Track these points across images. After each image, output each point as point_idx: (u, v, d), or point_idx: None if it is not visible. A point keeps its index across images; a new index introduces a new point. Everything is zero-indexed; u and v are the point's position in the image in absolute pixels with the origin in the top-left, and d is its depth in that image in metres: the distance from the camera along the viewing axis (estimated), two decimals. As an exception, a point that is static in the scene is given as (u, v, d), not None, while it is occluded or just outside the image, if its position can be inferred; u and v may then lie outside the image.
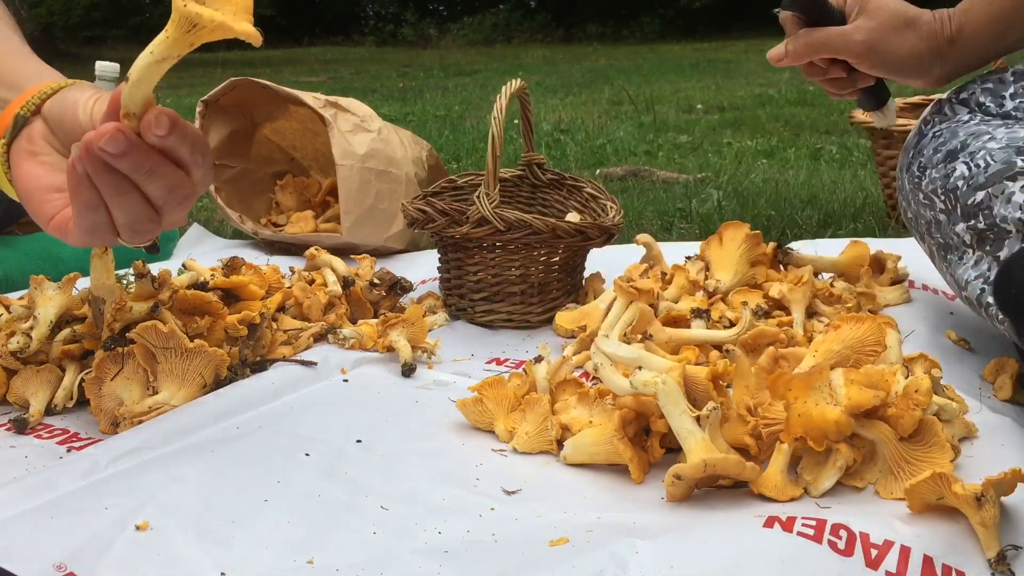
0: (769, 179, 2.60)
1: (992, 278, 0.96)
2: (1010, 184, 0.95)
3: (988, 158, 0.98)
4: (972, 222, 0.98)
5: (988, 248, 0.98)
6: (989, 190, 0.97)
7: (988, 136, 1.02)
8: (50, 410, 1.01)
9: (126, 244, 0.77)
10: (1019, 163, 0.96)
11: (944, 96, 1.18)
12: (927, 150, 1.10)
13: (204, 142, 0.75)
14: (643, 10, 15.99)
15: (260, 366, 1.10)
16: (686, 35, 14.40)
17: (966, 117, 1.11)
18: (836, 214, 2.06)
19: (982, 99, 1.13)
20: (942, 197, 1.03)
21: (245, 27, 0.68)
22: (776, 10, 1.12)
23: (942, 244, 1.06)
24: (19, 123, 0.79)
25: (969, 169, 1.00)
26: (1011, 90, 1.12)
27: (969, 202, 0.99)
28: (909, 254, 1.45)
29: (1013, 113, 1.10)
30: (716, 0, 15.41)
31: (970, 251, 1.00)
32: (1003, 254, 0.96)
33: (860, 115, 2.03)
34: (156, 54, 0.69)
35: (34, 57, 0.87)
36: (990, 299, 0.96)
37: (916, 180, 1.09)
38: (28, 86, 0.82)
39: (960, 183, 1.00)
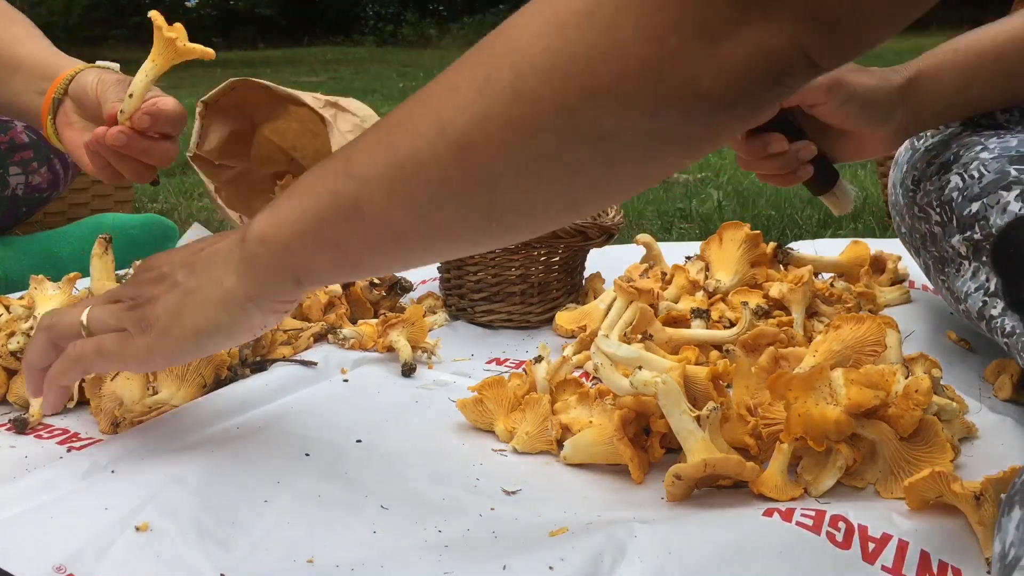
0: (769, 179, 2.60)
1: (991, 288, 0.95)
2: (1005, 194, 0.94)
3: (982, 168, 0.98)
4: (968, 233, 0.98)
5: (984, 259, 0.97)
6: (984, 200, 0.96)
7: (980, 147, 1.01)
8: (50, 410, 1.01)
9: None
10: (1013, 172, 0.95)
11: None
12: (920, 163, 1.09)
13: (180, 115, 1.02)
14: (643, 10, 15.99)
15: (260, 366, 1.10)
16: (686, 35, 14.38)
17: (957, 129, 1.11)
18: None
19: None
20: (937, 209, 1.02)
21: (204, 48, 0.98)
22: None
23: (938, 258, 1.05)
24: (56, 104, 1.08)
25: (963, 180, 0.99)
26: None
27: (964, 213, 0.98)
28: (909, 254, 1.45)
29: (1004, 124, 1.09)
30: (716, 0, 15.41)
31: (966, 263, 1.00)
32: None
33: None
34: (150, 76, 0.99)
35: (60, 52, 1.15)
36: (992, 312, 0.95)
37: (911, 193, 1.08)
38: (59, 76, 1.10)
39: (955, 194, 0.99)
